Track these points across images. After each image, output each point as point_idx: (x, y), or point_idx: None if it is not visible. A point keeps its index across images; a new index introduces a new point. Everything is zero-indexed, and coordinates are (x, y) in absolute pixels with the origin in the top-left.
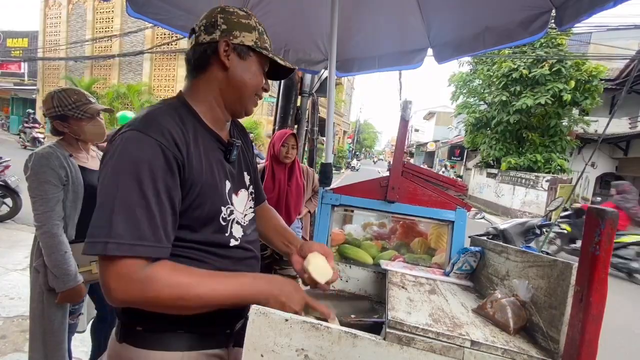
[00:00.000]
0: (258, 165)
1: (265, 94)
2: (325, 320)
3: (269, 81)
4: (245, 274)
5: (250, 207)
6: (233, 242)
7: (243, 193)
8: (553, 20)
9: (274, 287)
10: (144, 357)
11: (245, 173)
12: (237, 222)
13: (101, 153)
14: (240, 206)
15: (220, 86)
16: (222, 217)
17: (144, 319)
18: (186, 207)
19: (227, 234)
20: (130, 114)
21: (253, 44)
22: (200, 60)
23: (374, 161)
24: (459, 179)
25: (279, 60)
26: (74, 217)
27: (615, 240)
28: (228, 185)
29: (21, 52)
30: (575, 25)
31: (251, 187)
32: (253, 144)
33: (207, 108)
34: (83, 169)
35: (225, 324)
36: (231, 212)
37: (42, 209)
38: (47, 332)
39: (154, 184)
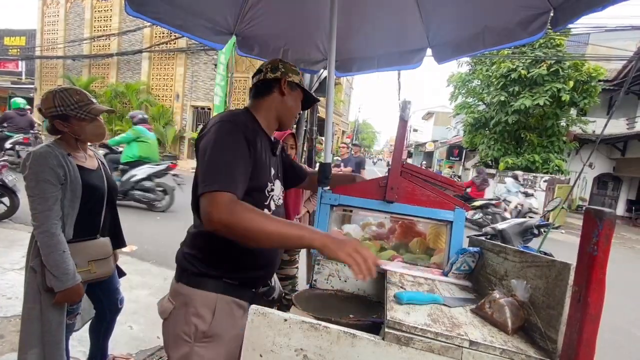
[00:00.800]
0: None
1: None
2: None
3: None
4: (304, 225)
5: (280, 196)
6: (266, 211)
7: (278, 183)
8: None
9: (328, 236)
10: (191, 293)
11: (280, 168)
12: (273, 200)
13: (99, 153)
14: (277, 190)
15: (277, 106)
16: (267, 190)
17: (194, 266)
18: (251, 176)
19: (266, 203)
20: (21, 101)
21: (299, 82)
22: (266, 88)
23: (373, 162)
24: (458, 179)
25: (312, 94)
26: (72, 217)
27: (470, 205)
28: (272, 170)
29: (18, 50)
30: (570, 25)
31: (283, 182)
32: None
33: (264, 118)
34: (81, 168)
35: (252, 284)
36: (272, 189)
37: (41, 208)
38: (46, 332)
39: (240, 152)
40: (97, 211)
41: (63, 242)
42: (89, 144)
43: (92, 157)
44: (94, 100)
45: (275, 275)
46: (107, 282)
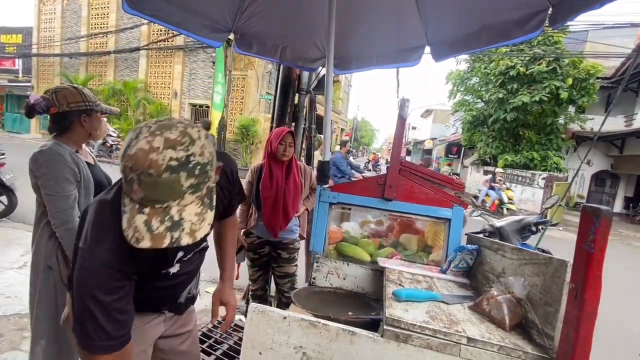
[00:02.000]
0: (255, 164)
1: (263, 92)
2: None
3: (264, 76)
4: None
5: (199, 246)
6: (164, 275)
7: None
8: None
9: None
10: None
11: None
12: (178, 264)
13: (90, 150)
14: (187, 255)
15: None
16: (162, 272)
17: None
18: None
19: (163, 271)
20: None
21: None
22: None
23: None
24: (456, 177)
25: (124, 224)
26: None
27: None
28: (180, 254)
29: (15, 48)
30: (569, 23)
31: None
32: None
33: None
34: (87, 164)
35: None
36: (174, 266)
37: (63, 206)
38: (60, 331)
39: (112, 296)
40: None
41: None
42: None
43: (88, 154)
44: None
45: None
46: None
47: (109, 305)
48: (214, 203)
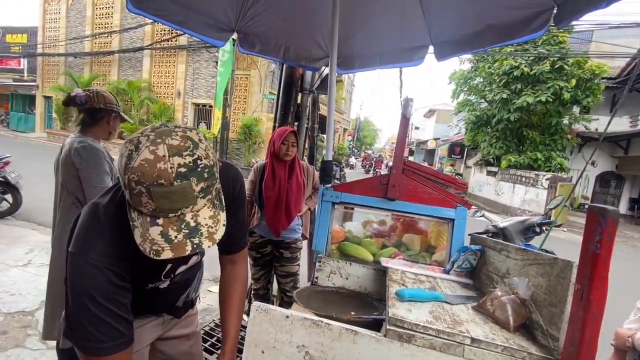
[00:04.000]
0: (258, 164)
1: (266, 92)
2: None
3: (267, 75)
4: None
5: (195, 260)
6: (150, 287)
7: (193, 259)
8: (552, 18)
9: None
10: None
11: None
12: (169, 278)
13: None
14: (183, 267)
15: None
16: (146, 287)
17: None
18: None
19: (151, 285)
20: None
21: (128, 200)
22: None
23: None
24: (459, 177)
25: (137, 238)
26: None
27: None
28: (168, 266)
29: (20, 48)
30: (574, 22)
31: (199, 255)
32: None
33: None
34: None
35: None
36: (165, 279)
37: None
38: None
39: (104, 298)
40: None
41: None
42: None
43: None
44: None
45: (188, 295)
46: None
47: (105, 307)
48: (224, 204)
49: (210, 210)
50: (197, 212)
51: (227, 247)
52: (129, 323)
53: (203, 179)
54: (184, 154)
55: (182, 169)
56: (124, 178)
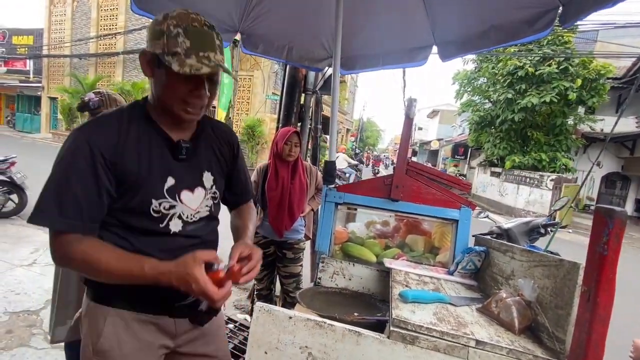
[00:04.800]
0: (261, 164)
1: (269, 92)
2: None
3: (270, 76)
4: (149, 259)
5: (207, 206)
6: (164, 233)
7: (199, 191)
8: (557, 18)
9: (165, 272)
10: (86, 306)
11: (207, 173)
12: (180, 217)
13: None
14: (193, 203)
15: (153, 94)
16: (153, 208)
17: (84, 278)
18: (119, 195)
19: (161, 225)
20: None
21: (160, 52)
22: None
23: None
24: (463, 178)
25: (175, 67)
26: None
27: None
28: (171, 181)
29: (26, 49)
30: (579, 22)
31: (214, 187)
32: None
33: (154, 110)
34: None
35: (163, 295)
36: (172, 207)
37: None
38: (78, 309)
39: (80, 174)
40: None
41: None
42: None
43: None
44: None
45: None
46: None
47: (82, 183)
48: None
49: (223, 62)
50: (218, 60)
51: (235, 197)
52: (94, 219)
53: (220, 39)
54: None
55: (208, 23)
56: (162, 26)
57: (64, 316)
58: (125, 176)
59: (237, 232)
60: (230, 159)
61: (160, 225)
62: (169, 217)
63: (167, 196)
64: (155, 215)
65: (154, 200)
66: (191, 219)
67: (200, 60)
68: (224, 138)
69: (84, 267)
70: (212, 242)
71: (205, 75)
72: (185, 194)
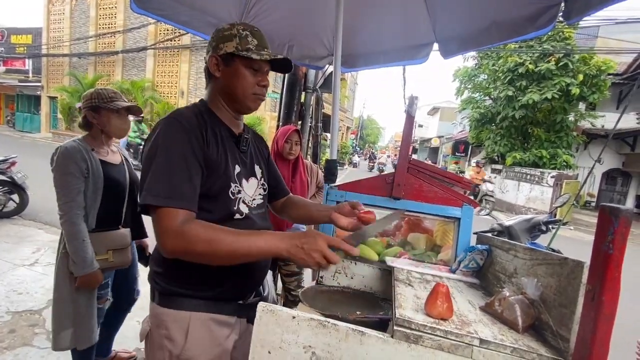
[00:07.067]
0: None
1: (269, 90)
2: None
3: (270, 75)
4: (267, 231)
5: (260, 194)
6: (238, 216)
7: (253, 181)
8: (561, 14)
9: (291, 239)
10: (162, 314)
11: (257, 166)
12: (244, 202)
13: (123, 150)
14: (249, 190)
15: (220, 91)
16: (231, 191)
17: (160, 284)
18: (204, 179)
19: (234, 208)
20: None
21: (234, 50)
22: (207, 74)
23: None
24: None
25: (255, 56)
26: (94, 208)
27: None
28: (238, 168)
29: (25, 48)
30: (583, 19)
31: (263, 179)
32: None
33: (217, 108)
34: (103, 162)
35: (234, 296)
36: (239, 191)
37: (64, 199)
38: (77, 314)
39: (186, 156)
40: (119, 204)
41: (83, 232)
42: (113, 140)
43: (115, 153)
44: (125, 100)
45: (268, 280)
46: (125, 271)
47: (190, 162)
48: None
49: None
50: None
51: (275, 192)
52: (196, 192)
53: None
54: None
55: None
56: (232, 31)
57: (65, 324)
58: (210, 161)
59: (309, 208)
60: (266, 157)
61: (234, 208)
62: (238, 200)
63: (238, 180)
64: (231, 197)
65: (231, 184)
66: (252, 204)
67: (268, 53)
68: (258, 137)
69: (206, 247)
70: (269, 229)
71: (267, 68)
72: (244, 182)
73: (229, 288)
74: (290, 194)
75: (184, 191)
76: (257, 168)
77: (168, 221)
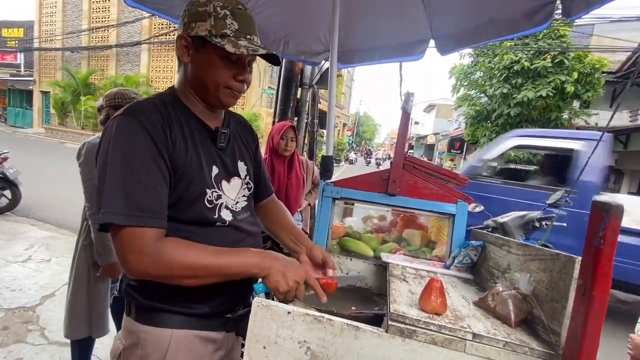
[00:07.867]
0: None
1: (265, 86)
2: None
3: (267, 70)
4: (249, 249)
5: (244, 196)
6: (219, 224)
7: (235, 181)
8: (559, 11)
9: (276, 260)
10: (139, 331)
11: (241, 163)
12: (227, 207)
13: None
14: (231, 192)
15: (189, 80)
16: (207, 199)
17: (136, 299)
18: (173, 185)
19: (214, 216)
20: None
21: (206, 34)
22: (177, 57)
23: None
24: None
25: (230, 48)
26: None
27: None
28: (215, 170)
29: (17, 42)
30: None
31: (248, 177)
32: None
33: (188, 99)
34: None
35: (224, 308)
36: (219, 197)
37: (92, 191)
38: (93, 304)
39: (144, 160)
40: None
41: None
42: None
43: None
44: None
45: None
46: None
47: (148, 170)
48: None
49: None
50: (259, 44)
51: (258, 191)
52: (163, 205)
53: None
54: None
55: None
56: (207, 8)
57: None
58: (178, 164)
59: (285, 229)
60: (254, 150)
61: (214, 216)
62: (218, 207)
63: (215, 185)
64: (209, 205)
65: (207, 190)
66: (235, 208)
67: (251, 42)
68: (246, 128)
69: (182, 272)
70: (255, 235)
71: (248, 60)
72: (224, 184)
73: (217, 302)
74: (274, 196)
75: (149, 206)
76: (240, 165)
77: (134, 241)
